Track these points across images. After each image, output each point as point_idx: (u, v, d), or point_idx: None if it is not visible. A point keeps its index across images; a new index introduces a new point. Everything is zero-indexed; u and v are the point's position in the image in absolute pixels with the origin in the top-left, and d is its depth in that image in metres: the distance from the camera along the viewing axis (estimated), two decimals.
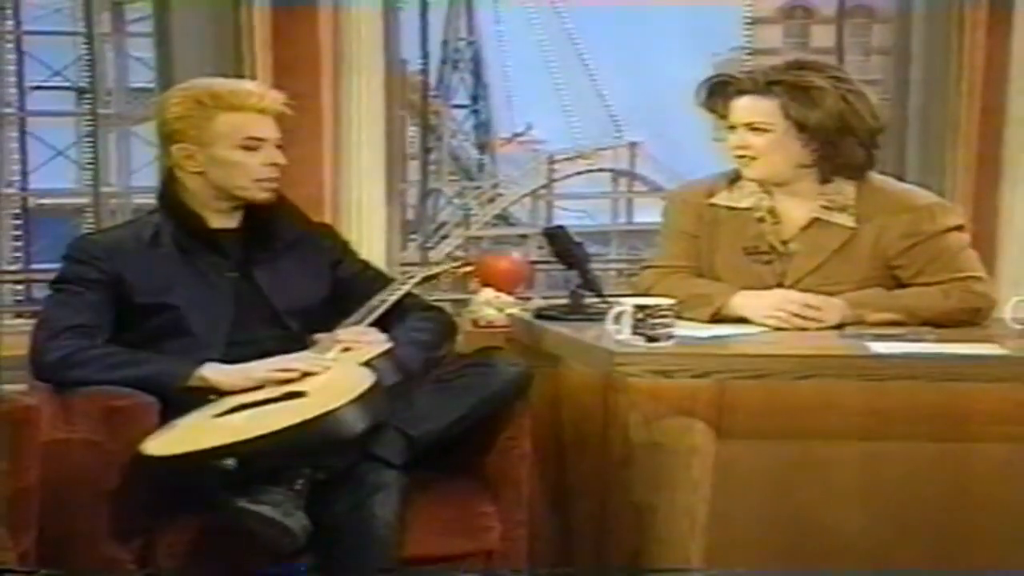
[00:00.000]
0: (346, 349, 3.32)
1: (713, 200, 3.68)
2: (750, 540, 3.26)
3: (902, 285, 3.60)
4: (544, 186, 9.20)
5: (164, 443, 3.07)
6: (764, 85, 3.56)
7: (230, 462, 2.99)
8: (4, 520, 2.99)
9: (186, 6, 4.74)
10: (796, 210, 3.63)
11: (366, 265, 3.67)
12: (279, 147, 3.45)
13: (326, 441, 3.04)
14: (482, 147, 10.39)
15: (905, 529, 3.27)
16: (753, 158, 3.59)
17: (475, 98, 10.41)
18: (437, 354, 3.46)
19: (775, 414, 3.22)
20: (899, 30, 5.27)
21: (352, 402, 3.06)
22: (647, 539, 3.24)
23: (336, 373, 3.22)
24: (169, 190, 3.48)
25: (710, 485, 3.23)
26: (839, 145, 3.56)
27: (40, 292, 5.54)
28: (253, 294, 3.42)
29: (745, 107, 3.58)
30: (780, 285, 3.59)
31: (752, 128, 3.57)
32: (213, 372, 3.23)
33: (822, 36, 5.91)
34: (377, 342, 3.36)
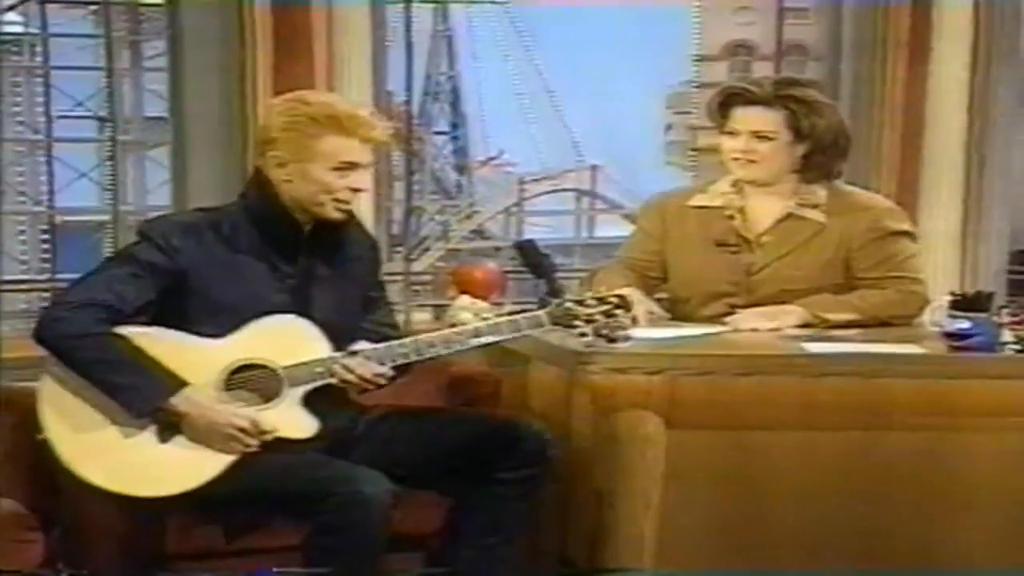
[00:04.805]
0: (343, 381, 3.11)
1: (690, 202, 3.71)
2: (697, 519, 3.26)
3: (851, 276, 3.64)
4: (515, 204, 9.20)
5: (111, 477, 3.00)
6: (774, 97, 3.59)
7: None
8: (31, 504, 3.01)
9: (197, 46, 4.77)
10: (771, 206, 3.65)
11: (383, 288, 3.40)
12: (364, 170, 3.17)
13: None
14: (460, 169, 10.38)
15: (835, 507, 3.28)
16: (753, 162, 3.61)
17: (454, 126, 10.39)
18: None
19: (720, 407, 3.23)
20: (830, 67, 5.33)
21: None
22: (606, 520, 3.24)
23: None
24: (260, 190, 3.16)
25: (661, 471, 3.23)
26: (828, 153, 3.62)
27: None
28: (305, 305, 3.15)
29: (753, 116, 3.60)
30: (748, 273, 3.63)
31: (758, 136, 3.60)
32: (187, 406, 3.01)
33: (762, 72, 5.94)
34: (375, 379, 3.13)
